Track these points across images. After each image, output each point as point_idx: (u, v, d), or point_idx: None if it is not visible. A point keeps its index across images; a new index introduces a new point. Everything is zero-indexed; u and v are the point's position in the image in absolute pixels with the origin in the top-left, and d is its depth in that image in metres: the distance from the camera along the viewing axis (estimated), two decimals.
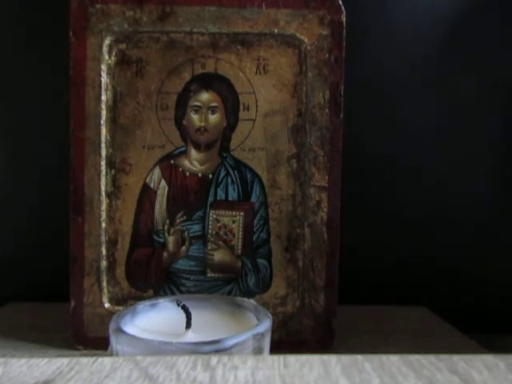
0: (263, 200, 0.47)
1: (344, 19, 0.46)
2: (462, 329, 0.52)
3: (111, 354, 0.34)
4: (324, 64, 0.46)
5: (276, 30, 0.46)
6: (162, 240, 0.47)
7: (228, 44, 0.46)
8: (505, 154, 0.61)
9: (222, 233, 0.47)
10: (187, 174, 0.47)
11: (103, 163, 0.46)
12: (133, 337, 0.33)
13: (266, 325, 0.35)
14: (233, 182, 0.47)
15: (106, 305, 0.46)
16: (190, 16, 0.45)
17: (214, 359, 0.28)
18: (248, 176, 0.47)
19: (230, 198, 0.47)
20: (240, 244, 0.47)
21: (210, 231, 0.47)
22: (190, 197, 0.47)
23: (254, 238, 0.47)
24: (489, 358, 0.28)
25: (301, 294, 0.47)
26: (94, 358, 0.28)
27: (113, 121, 0.46)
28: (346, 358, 0.28)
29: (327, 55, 0.46)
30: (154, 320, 0.38)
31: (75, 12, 0.45)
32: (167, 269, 0.47)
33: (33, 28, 0.59)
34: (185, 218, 0.47)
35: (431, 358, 0.28)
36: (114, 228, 0.47)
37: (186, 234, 0.47)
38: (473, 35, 0.60)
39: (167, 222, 0.47)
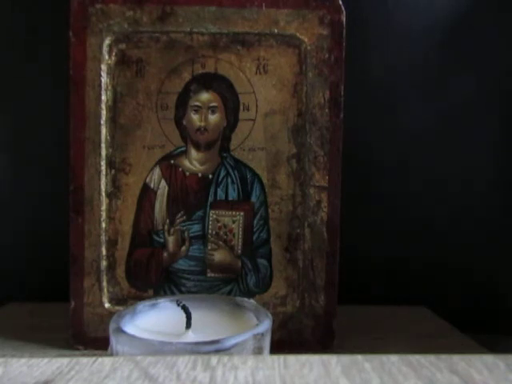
0: (263, 200, 0.47)
1: (344, 19, 0.46)
2: (462, 329, 0.52)
3: (111, 354, 0.34)
4: (324, 64, 0.46)
5: (276, 30, 0.46)
6: (161, 240, 0.47)
7: (228, 44, 0.46)
8: (505, 154, 0.61)
9: (222, 233, 0.47)
10: (187, 173, 0.47)
11: (103, 163, 0.46)
12: (133, 337, 0.33)
13: (266, 325, 0.35)
14: (233, 181, 0.47)
15: (106, 305, 0.46)
16: (190, 16, 0.45)
17: (214, 359, 0.28)
18: (248, 176, 0.47)
19: (230, 198, 0.47)
20: (240, 244, 0.47)
21: (210, 231, 0.47)
22: (190, 197, 0.47)
23: (254, 237, 0.47)
24: (489, 358, 0.28)
25: (301, 294, 0.47)
26: (93, 358, 0.28)
27: (113, 121, 0.46)
28: (345, 358, 0.28)
29: (327, 55, 0.46)
30: (154, 320, 0.38)
31: (75, 12, 0.45)
32: (167, 269, 0.47)
33: (33, 28, 0.59)
34: (185, 217, 0.47)
35: (431, 358, 0.28)
36: (114, 228, 0.47)
37: (185, 234, 0.47)
38: (473, 35, 0.60)
39: (167, 221, 0.47)
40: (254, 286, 0.47)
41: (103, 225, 0.46)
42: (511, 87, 0.61)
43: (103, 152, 0.46)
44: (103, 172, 0.46)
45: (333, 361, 0.27)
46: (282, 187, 0.47)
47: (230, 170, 0.47)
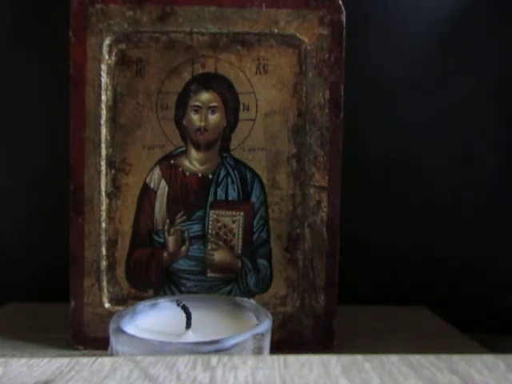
0: (263, 200, 0.47)
1: (344, 19, 0.46)
2: (462, 329, 0.52)
3: (111, 354, 0.34)
4: (324, 64, 0.46)
5: (276, 30, 0.46)
6: (161, 240, 0.47)
7: (228, 44, 0.46)
8: (505, 154, 0.61)
9: (222, 233, 0.47)
10: (187, 173, 0.47)
11: (103, 163, 0.46)
12: (133, 337, 0.33)
13: (266, 325, 0.35)
14: (233, 181, 0.47)
15: (106, 305, 0.46)
16: (190, 16, 0.45)
17: (214, 359, 0.28)
18: (248, 176, 0.47)
19: (230, 198, 0.47)
20: (240, 244, 0.47)
21: (210, 231, 0.47)
22: (190, 197, 0.47)
23: (254, 237, 0.47)
24: (489, 358, 0.28)
25: (301, 294, 0.47)
26: (93, 358, 0.28)
27: (113, 121, 0.46)
28: (345, 358, 0.28)
29: (327, 55, 0.46)
30: (154, 320, 0.38)
31: (75, 12, 0.45)
32: (167, 269, 0.47)
33: (33, 28, 0.59)
34: (185, 217, 0.47)
35: (431, 358, 0.28)
36: (114, 228, 0.47)
37: (185, 234, 0.47)
38: (473, 35, 0.60)
39: (167, 221, 0.47)
40: (254, 286, 0.47)
41: (103, 225, 0.46)
42: (511, 87, 0.61)
43: (103, 152, 0.46)
44: (103, 172, 0.46)
45: (333, 361, 0.27)
46: (282, 187, 0.47)
47: (230, 170, 0.47)
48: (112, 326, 0.35)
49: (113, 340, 0.34)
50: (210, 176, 0.47)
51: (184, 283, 0.47)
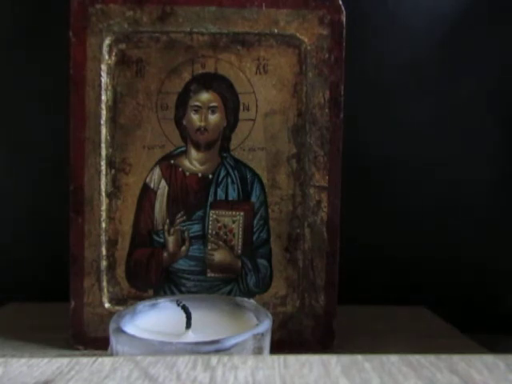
0: (263, 200, 0.47)
1: (344, 19, 0.46)
2: (462, 329, 0.52)
3: (111, 354, 0.34)
4: (324, 64, 0.46)
5: (276, 30, 0.46)
6: (161, 240, 0.47)
7: (228, 44, 0.46)
8: (505, 154, 0.61)
9: (222, 233, 0.47)
10: (187, 173, 0.47)
11: (103, 163, 0.46)
12: (133, 337, 0.33)
13: (266, 325, 0.35)
14: (233, 181, 0.47)
15: (106, 305, 0.46)
16: (190, 16, 0.45)
17: (214, 359, 0.28)
18: (248, 176, 0.47)
19: (230, 198, 0.47)
20: (240, 244, 0.47)
21: (210, 231, 0.47)
22: (190, 197, 0.47)
23: (254, 237, 0.47)
24: (489, 358, 0.28)
25: (301, 294, 0.47)
26: (93, 358, 0.28)
27: (113, 121, 0.46)
28: (345, 358, 0.28)
29: (327, 55, 0.46)
30: (154, 320, 0.38)
31: (75, 12, 0.45)
32: (167, 269, 0.47)
33: (33, 28, 0.59)
34: (185, 217, 0.47)
35: (431, 358, 0.28)
36: (114, 228, 0.47)
37: (185, 234, 0.47)
38: (473, 35, 0.60)
39: (167, 221, 0.47)
40: (254, 286, 0.47)
41: (103, 225, 0.46)
42: (511, 87, 0.61)
43: (103, 152, 0.46)
44: (103, 172, 0.46)
45: (333, 361, 0.27)
46: (282, 187, 0.47)
47: (230, 170, 0.47)
48: (112, 326, 0.35)
49: (113, 340, 0.34)
50: (210, 176, 0.47)
51: (184, 283, 0.47)
